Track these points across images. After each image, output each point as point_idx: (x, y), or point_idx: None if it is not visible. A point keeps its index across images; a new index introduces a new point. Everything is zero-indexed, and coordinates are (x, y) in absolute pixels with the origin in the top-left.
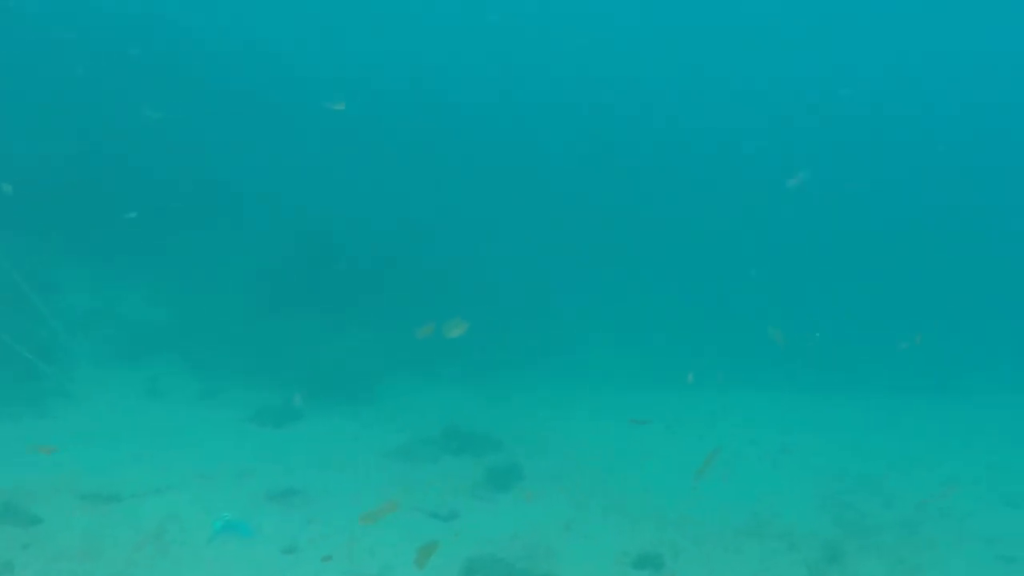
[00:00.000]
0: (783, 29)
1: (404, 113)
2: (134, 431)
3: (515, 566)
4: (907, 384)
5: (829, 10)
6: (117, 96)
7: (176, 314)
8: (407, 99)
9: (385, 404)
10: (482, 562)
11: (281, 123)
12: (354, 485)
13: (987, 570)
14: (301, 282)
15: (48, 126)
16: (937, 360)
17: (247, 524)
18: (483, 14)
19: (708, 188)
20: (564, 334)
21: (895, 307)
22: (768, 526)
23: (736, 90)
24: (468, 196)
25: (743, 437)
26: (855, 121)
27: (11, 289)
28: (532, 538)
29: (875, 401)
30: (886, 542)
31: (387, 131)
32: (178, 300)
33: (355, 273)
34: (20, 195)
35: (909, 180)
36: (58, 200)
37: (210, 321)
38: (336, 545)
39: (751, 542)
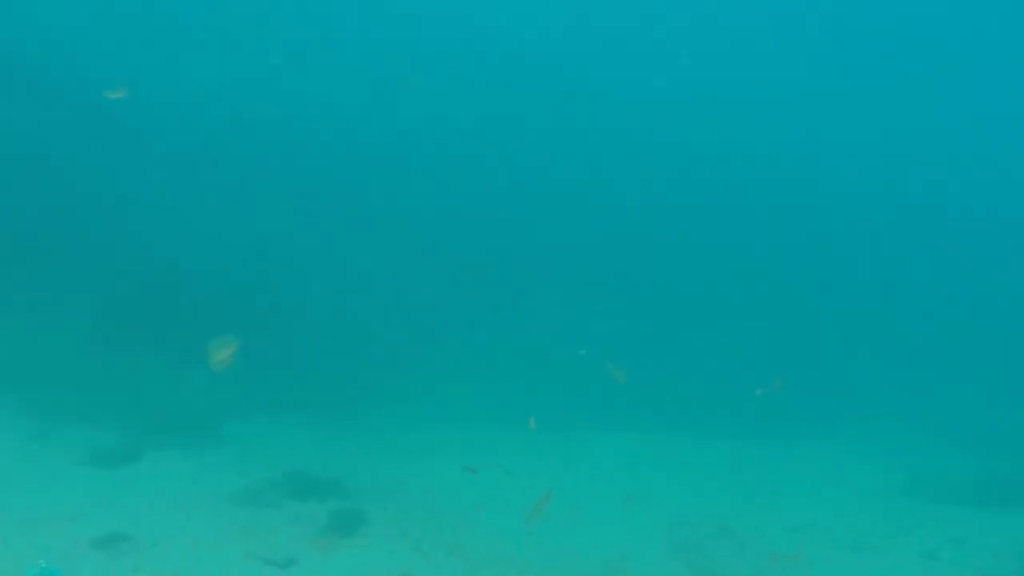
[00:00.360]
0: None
1: (254, 145)
2: None
3: None
4: (755, 429)
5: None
6: None
7: (7, 348)
8: (256, 128)
9: (230, 446)
10: None
11: (130, 150)
12: (189, 531)
13: None
14: (143, 317)
15: None
16: (784, 407)
17: (64, 572)
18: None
19: (551, 222)
20: (414, 377)
21: (747, 352)
22: (617, 572)
23: (571, 123)
24: (315, 237)
25: (592, 480)
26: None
27: None
28: None
29: (724, 445)
30: None
31: (237, 164)
32: (10, 332)
33: (202, 309)
34: None
35: (772, 211)
36: None
37: (45, 356)
38: None
39: None
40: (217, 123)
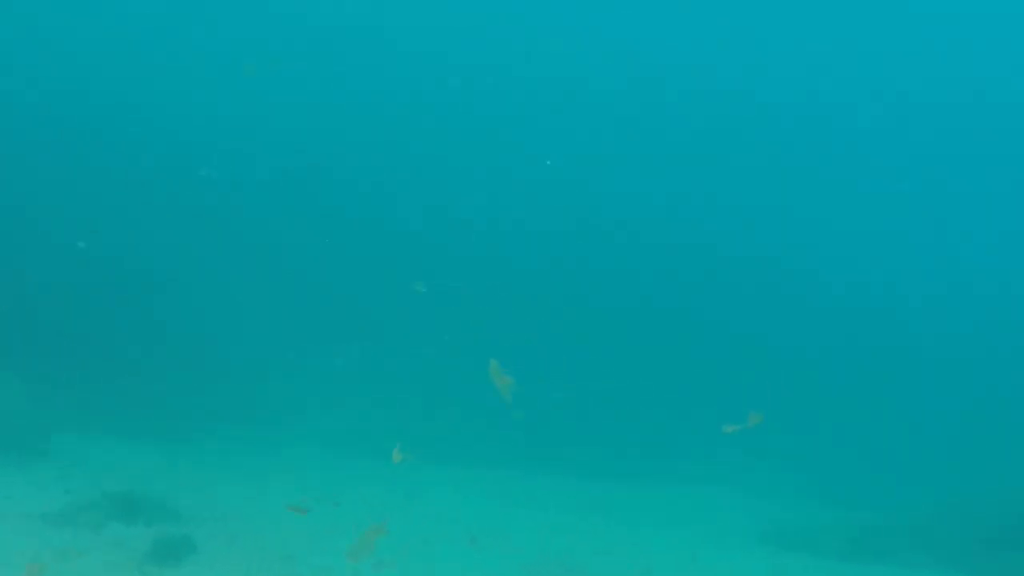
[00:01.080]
0: None
1: (106, 148)
2: None
3: None
4: (616, 468)
5: None
6: None
7: None
8: (103, 133)
9: (57, 461)
10: None
11: None
12: None
13: None
14: None
15: None
16: (646, 446)
17: None
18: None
19: (412, 245)
20: (256, 400)
21: (613, 385)
22: None
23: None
24: (162, 246)
25: (436, 518)
26: None
27: None
28: None
29: (582, 484)
30: None
31: (85, 169)
32: None
33: (34, 316)
34: None
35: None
36: None
37: None
38: None
39: None
40: (72, 123)
